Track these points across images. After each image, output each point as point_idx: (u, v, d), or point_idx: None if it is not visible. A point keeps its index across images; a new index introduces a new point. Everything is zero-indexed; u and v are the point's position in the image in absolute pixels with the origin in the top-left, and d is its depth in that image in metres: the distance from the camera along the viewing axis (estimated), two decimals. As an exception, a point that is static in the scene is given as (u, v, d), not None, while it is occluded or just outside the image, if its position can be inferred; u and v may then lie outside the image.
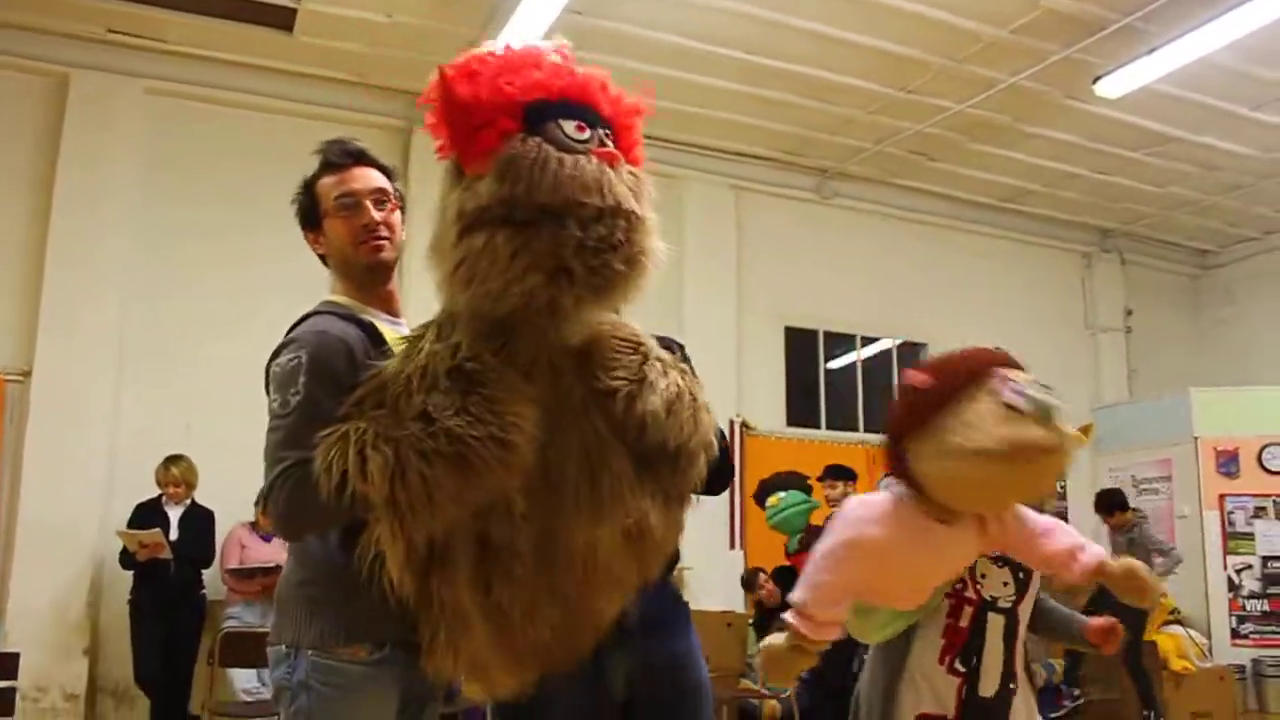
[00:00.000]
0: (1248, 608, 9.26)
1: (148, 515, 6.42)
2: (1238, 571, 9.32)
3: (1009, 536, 2.43)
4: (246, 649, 5.71)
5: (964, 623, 2.52)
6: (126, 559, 6.32)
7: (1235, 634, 9.26)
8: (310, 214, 2.24)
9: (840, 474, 6.78)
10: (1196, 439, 9.50)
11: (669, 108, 8.19)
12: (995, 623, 2.54)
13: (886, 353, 9.95)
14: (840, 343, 9.78)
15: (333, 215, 2.20)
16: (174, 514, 6.51)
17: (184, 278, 7.30)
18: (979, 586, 2.53)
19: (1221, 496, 9.41)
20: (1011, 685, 2.54)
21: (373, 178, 2.25)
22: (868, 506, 2.38)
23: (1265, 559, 9.30)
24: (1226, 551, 9.36)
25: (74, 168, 7.04)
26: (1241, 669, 9.03)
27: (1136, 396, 10.86)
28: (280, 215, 8.24)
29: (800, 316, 9.45)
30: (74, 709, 6.51)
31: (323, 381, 1.99)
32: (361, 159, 2.26)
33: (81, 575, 6.65)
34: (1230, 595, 9.31)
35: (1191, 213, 10.58)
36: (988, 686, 2.51)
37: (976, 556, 2.45)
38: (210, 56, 7.44)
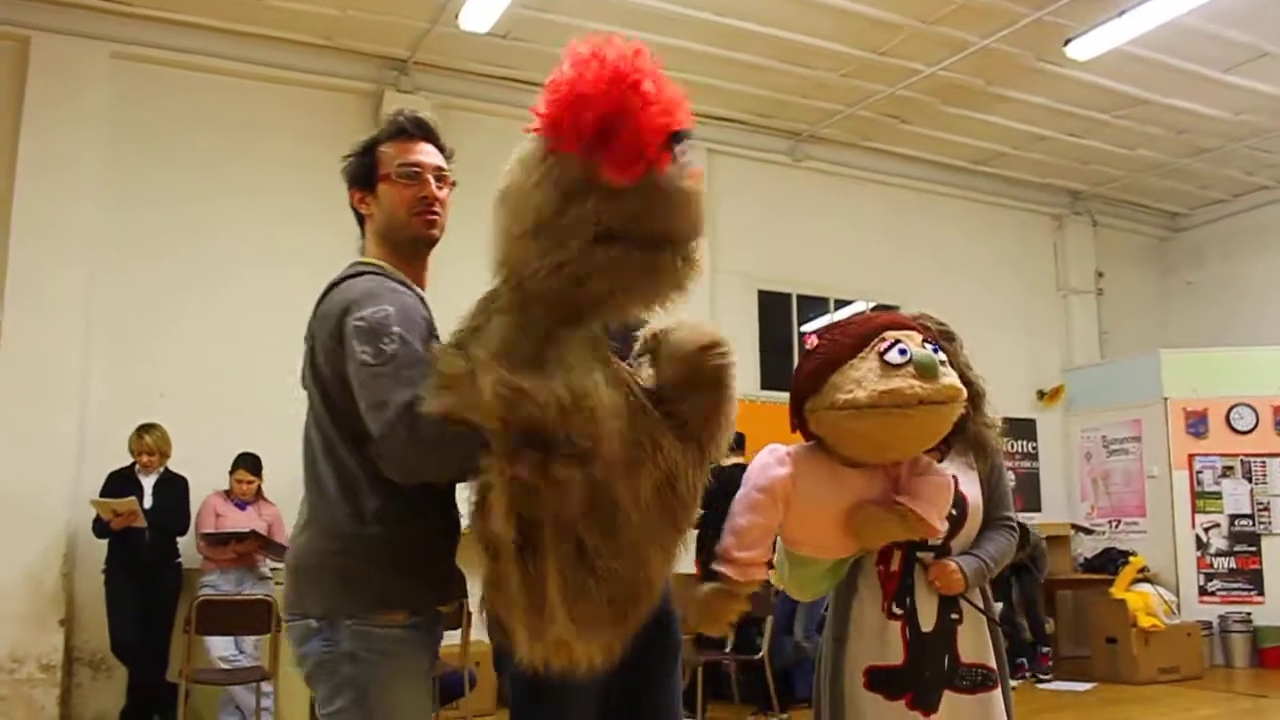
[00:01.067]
0: (1215, 565, 9.40)
1: (121, 484, 6.39)
2: (1205, 530, 9.45)
3: (904, 483, 2.54)
4: (223, 616, 5.71)
5: (895, 567, 2.62)
6: (100, 528, 6.29)
7: (1203, 591, 9.40)
8: (367, 174, 2.26)
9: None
10: (1166, 400, 9.61)
11: (641, 71, 8.15)
12: (926, 560, 2.64)
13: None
14: (814, 305, 9.79)
15: (393, 181, 2.23)
16: (147, 482, 6.48)
17: (152, 245, 7.22)
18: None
19: (1190, 456, 9.53)
20: (954, 615, 2.63)
21: (435, 155, 2.30)
22: (776, 453, 2.53)
23: (1233, 517, 9.43)
24: (1195, 510, 9.49)
25: (37, 134, 6.93)
26: (1208, 625, 9.19)
27: (1107, 358, 10.96)
28: (250, 181, 8.27)
29: (773, 279, 9.46)
30: (51, 679, 6.49)
31: (411, 331, 2.03)
32: (430, 135, 2.31)
33: (54, 546, 6.62)
34: (1198, 553, 9.45)
35: (1161, 175, 10.64)
36: (926, 621, 2.60)
37: (888, 499, 2.51)
38: (177, 20, 7.32)
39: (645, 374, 2.17)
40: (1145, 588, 8.95)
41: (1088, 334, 11.15)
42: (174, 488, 6.55)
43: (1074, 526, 10.21)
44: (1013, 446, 10.34)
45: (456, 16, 7.24)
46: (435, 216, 2.26)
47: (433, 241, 2.29)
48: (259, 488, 6.80)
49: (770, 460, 2.51)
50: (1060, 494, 10.72)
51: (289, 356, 8.00)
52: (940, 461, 2.65)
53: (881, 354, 2.37)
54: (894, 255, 9.88)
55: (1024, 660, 8.59)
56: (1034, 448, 10.57)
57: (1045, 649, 8.76)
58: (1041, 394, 10.61)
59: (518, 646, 2.00)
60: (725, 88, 8.51)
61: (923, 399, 2.31)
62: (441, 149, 2.35)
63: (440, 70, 8.14)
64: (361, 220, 2.32)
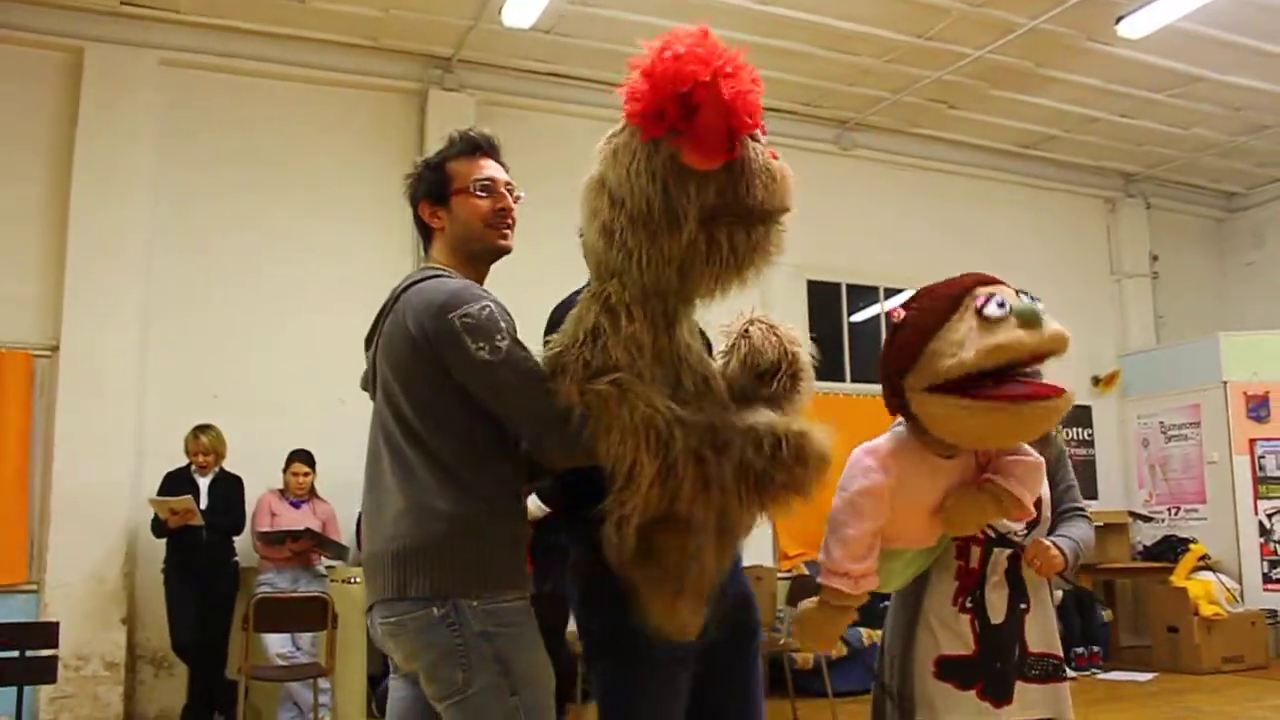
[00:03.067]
0: (1279, 552, 9.22)
1: (178, 484, 6.48)
2: (1269, 516, 9.27)
3: (995, 464, 2.49)
4: (280, 614, 5.78)
5: (974, 564, 2.58)
6: (158, 527, 6.39)
7: (1267, 579, 9.22)
8: (439, 189, 2.36)
9: None
10: (1225, 383, 9.43)
11: (684, 62, 8.12)
12: (1000, 555, 2.60)
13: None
14: (864, 295, 9.73)
15: (469, 195, 2.34)
16: (203, 482, 6.57)
17: (204, 247, 7.33)
18: (988, 528, 2.56)
19: (1251, 441, 9.34)
20: (1022, 606, 2.62)
21: (503, 171, 2.43)
22: (872, 454, 2.45)
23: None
24: (1257, 496, 9.31)
25: (92, 141, 7.05)
26: (1273, 614, 9.00)
27: (1164, 342, 10.78)
28: (299, 181, 8.32)
29: (822, 269, 9.39)
30: (115, 677, 6.61)
31: (512, 328, 2.16)
32: (497, 152, 2.45)
33: (116, 545, 6.73)
34: (1261, 540, 9.26)
35: (1217, 154, 10.43)
36: (996, 614, 2.58)
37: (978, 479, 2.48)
38: (223, 25, 7.42)
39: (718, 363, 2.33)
40: (1207, 575, 8.80)
41: (1143, 318, 10.96)
42: (229, 487, 6.63)
43: (1132, 514, 10.04)
44: (1068, 434, 10.20)
45: (499, 13, 7.26)
46: (508, 230, 2.38)
47: (506, 252, 2.40)
48: (312, 484, 6.86)
49: (869, 463, 2.44)
50: (1117, 481, 10.55)
51: (339, 355, 8.08)
52: None
53: (979, 310, 2.23)
54: (944, 242, 9.76)
55: (1081, 652, 8.51)
56: (1090, 435, 10.42)
57: (1095, 648, 8.67)
58: (1096, 380, 10.44)
59: (658, 618, 2.11)
60: (769, 76, 8.39)
61: (1033, 350, 2.19)
62: (504, 166, 2.47)
63: (484, 67, 8.16)
64: (427, 232, 2.41)
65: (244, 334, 7.30)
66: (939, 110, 9.21)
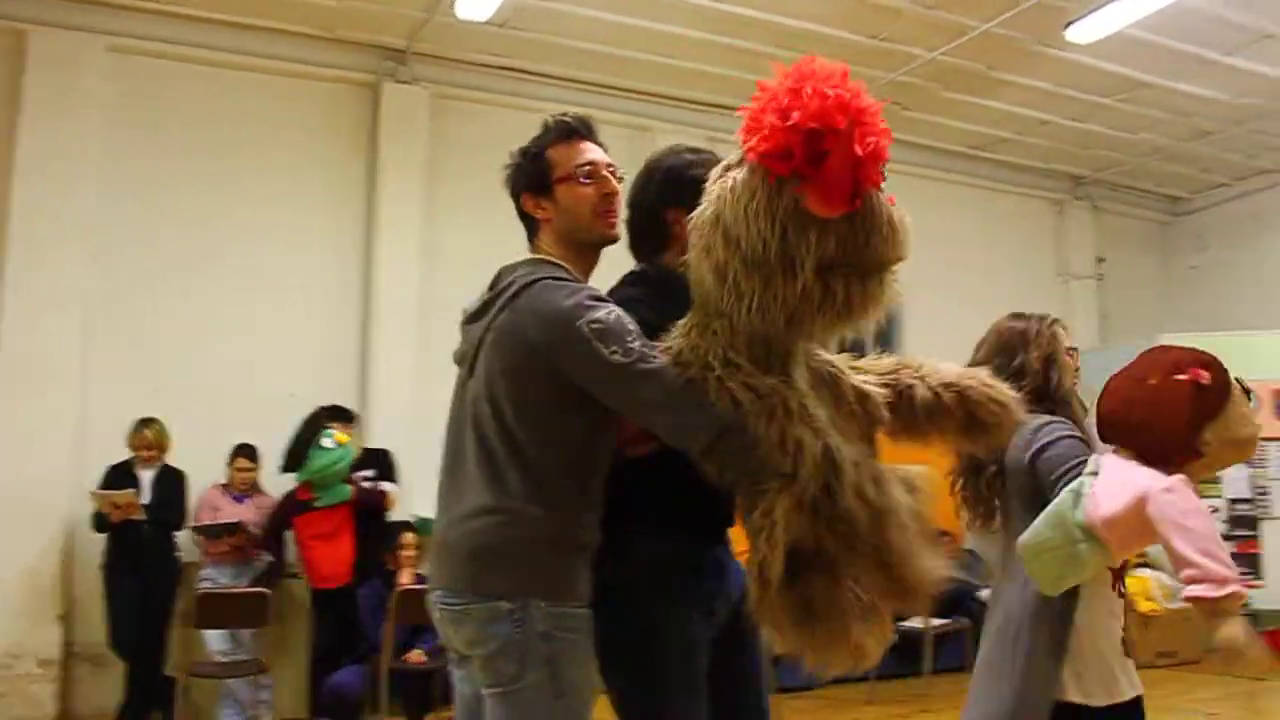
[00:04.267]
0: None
1: (119, 478, 6.38)
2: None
3: None
4: (220, 610, 5.72)
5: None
6: (100, 521, 6.27)
7: (1205, 576, 9.37)
8: (541, 179, 2.32)
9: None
10: (1167, 385, 9.54)
11: (640, 58, 8.12)
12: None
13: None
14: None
15: (573, 182, 2.30)
16: (146, 476, 6.46)
17: (150, 237, 7.21)
18: None
19: (1192, 441, 9.47)
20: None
21: (603, 152, 2.36)
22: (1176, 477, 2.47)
23: (1232, 501, 9.40)
24: (1196, 494, 9.45)
25: (36, 128, 6.89)
26: (1210, 610, 9.16)
27: (1108, 343, 10.92)
28: (247, 173, 8.17)
29: (774, 268, 9.41)
30: (49, 674, 6.48)
31: (639, 331, 2.13)
32: (594, 134, 2.37)
33: (53, 541, 6.60)
34: (1200, 538, 9.41)
35: (1163, 159, 10.60)
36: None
37: None
38: (173, 12, 7.29)
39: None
40: (1145, 572, 8.93)
41: (1089, 319, 11.11)
42: (172, 481, 6.53)
43: (1076, 513, 10.18)
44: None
45: (454, 6, 7.21)
46: (615, 216, 2.35)
47: (615, 240, 2.37)
48: (256, 479, 6.78)
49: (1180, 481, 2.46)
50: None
51: (289, 348, 8.00)
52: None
53: (1242, 393, 2.62)
54: (894, 242, 9.84)
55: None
56: (1036, 434, 10.54)
57: None
58: (1043, 380, 10.54)
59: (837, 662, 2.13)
60: (724, 74, 8.46)
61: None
62: (602, 146, 2.40)
63: (439, 60, 8.10)
64: (532, 224, 2.37)
65: (190, 326, 7.20)
66: (892, 111, 9.15)
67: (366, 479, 6.69)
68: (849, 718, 6.53)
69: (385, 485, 6.80)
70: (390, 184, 7.79)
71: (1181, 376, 2.57)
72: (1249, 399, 2.64)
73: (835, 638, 2.11)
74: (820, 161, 1.95)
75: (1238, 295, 11.06)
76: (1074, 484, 2.49)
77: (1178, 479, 2.41)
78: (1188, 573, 2.28)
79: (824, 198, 1.97)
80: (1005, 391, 2.41)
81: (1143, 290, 11.64)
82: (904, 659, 7.86)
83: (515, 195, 2.37)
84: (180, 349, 7.11)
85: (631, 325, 2.12)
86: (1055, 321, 3.10)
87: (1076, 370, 3.01)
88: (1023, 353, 2.95)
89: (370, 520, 6.57)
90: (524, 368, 2.17)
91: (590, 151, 2.33)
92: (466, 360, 2.33)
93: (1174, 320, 11.21)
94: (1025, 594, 2.68)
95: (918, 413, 2.34)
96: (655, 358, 2.11)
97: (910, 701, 7.15)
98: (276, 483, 6.78)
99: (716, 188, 2.09)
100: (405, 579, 6.14)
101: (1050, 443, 2.68)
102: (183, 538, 6.58)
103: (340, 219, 7.75)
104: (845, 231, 2.01)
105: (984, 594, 8.60)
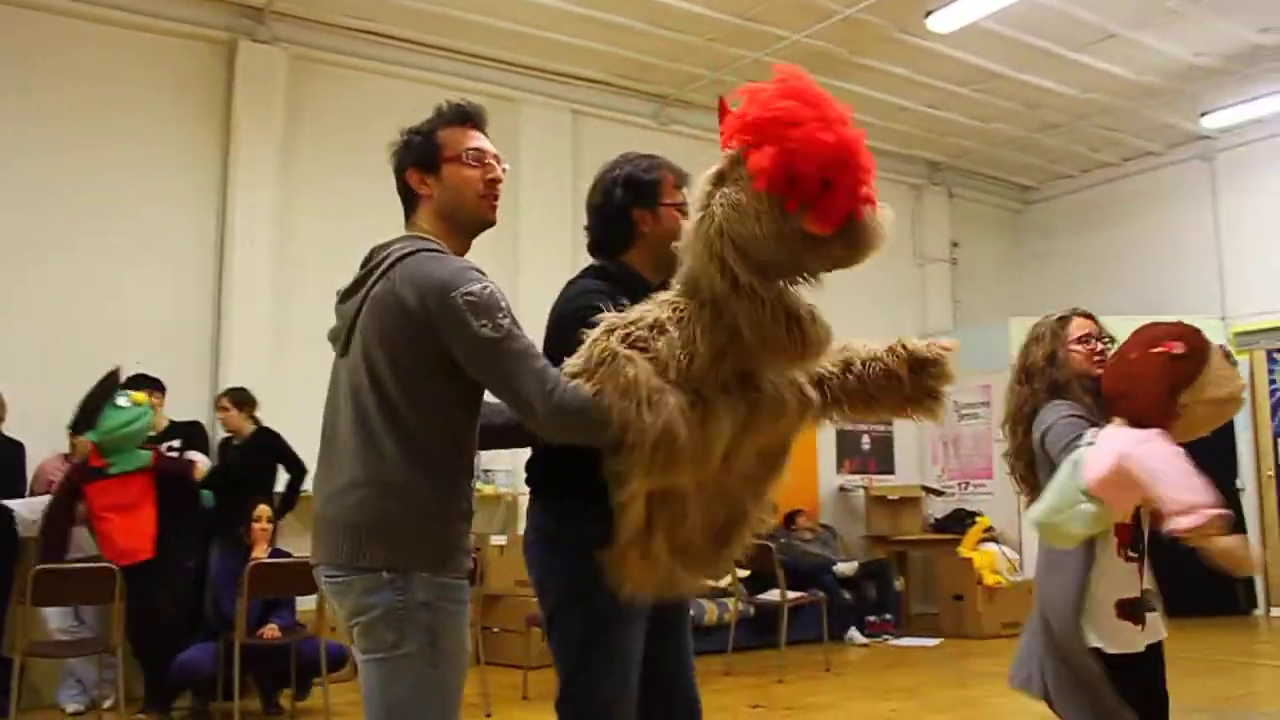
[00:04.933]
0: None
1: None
2: (1048, 491, 9.83)
3: None
4: (60, 586, 5.47)
5: (1128, 519, 3.07)
6: (-70, 495, 5.94)
7: (1044, 549, 9.80)
8: (430, 157, 2.37)
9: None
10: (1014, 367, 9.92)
11: (507, 28, 8.03)
12: (1145, 514, 3.10)
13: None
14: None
15: (461, 164, 2.36)
16: (-21, 448, 6.14)
17: (-14, 196, 6.82)
18: None
19: (1035, 421, 9.86)
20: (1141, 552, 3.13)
21: (491, 143, 2.44)
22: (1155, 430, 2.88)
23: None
24: (1038, 472, 9.85)
25: None
26: (1049, 582, 9.59)
27: (960, 325, 11.31)
28: (95, 133, 7.84)
29: (639, 244, 9.44)
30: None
31: (509, 308, 2.22)
32: (484, 125, 2.45)
33: (-122, 514, 6.23)
34: (1040, 513, 9.82)
35: (1014, 149, 10.99)
36: (1148, 563, 3.13)
37: None
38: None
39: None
40: (991, 547, 9.30)
41: (942, 302, 11.50)
42: (8, 452, 6.23)
43: (925, 488, 10.53)
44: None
45: (315, -36, 7.00)
46: (496, 201, 2.42)
47: (493, 224, 2.44)
48: (98, 449, 6.51)
49: (1150, 432, 2.81)
50: (912, 457, 11.04)
51: (135, 315, 7.68)
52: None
53: (1220, 356, 2.91)
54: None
55: (874, 619, 8.90)
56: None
57: (888, 615, 9.08)
58: (897, 360, 10.84)
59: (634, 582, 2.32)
60: (592, 48, 8.44)
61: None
62: (488, 137, 2.48)
63: (299, 21, 7.85)
64: (413, 199, 2.41)
65: (30, 292, 6.84)
66: (757, 91, 9.36)
67: (172, 449, 6.45)
68: (708, 689, 6.60)
69: (193, 455, 6.57)
70: (246, 146, 7.51)
71: (1157, 349, 2.92)
72: (1230, 362, 2.95)
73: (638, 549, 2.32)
74: (824, 191, 2.21)
75: (1081, 281, 11.55)
76: (1074, 455, 2.84)
77: (1153, 432, 2.78)
78: (1170, 509, 2.57)
79: (821, 222, 2.22)
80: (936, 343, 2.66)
81: (993, 274, 12.08)
82: (761, 631, 8.03)
83: (400, 169, 2.42)
84: (18, 315, 6.76)
85: (504, 302, 2.19)
86: (1063, 317, 3.41)
87: (1095, 354, 3.28)
88: (1032, 352, 3.34)
89: (175, 491, 6.11)
90: (402, 335, 2.20)
91: (480, 139, 2.40)
92: (341, 338, 2.36)
93: (1022, 304, 11.64)
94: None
95: (868, 383, 2.56)
96: (522, 337, 2.19)
97: (767, 672, 7.30)
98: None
99: (722, 206, 2.26)
100: (259, 553, 5.97)
101: (1051, 424, 3.07)
102: (21, 510, 6.26)
103: (194, 182, 7.47)
104: (841, 247, 2.29)
105: (839, 568, 8.85)
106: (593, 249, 2.73)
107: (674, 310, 2.31)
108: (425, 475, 2.21)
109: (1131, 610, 3.09)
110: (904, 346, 2.60)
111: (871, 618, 8.92)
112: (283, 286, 7.47)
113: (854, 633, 8.73)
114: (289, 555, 6.04)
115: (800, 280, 2.31)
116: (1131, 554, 3.11)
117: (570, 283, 2.72)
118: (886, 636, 8.88)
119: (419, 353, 2.20)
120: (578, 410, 2.17)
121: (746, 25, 8.07)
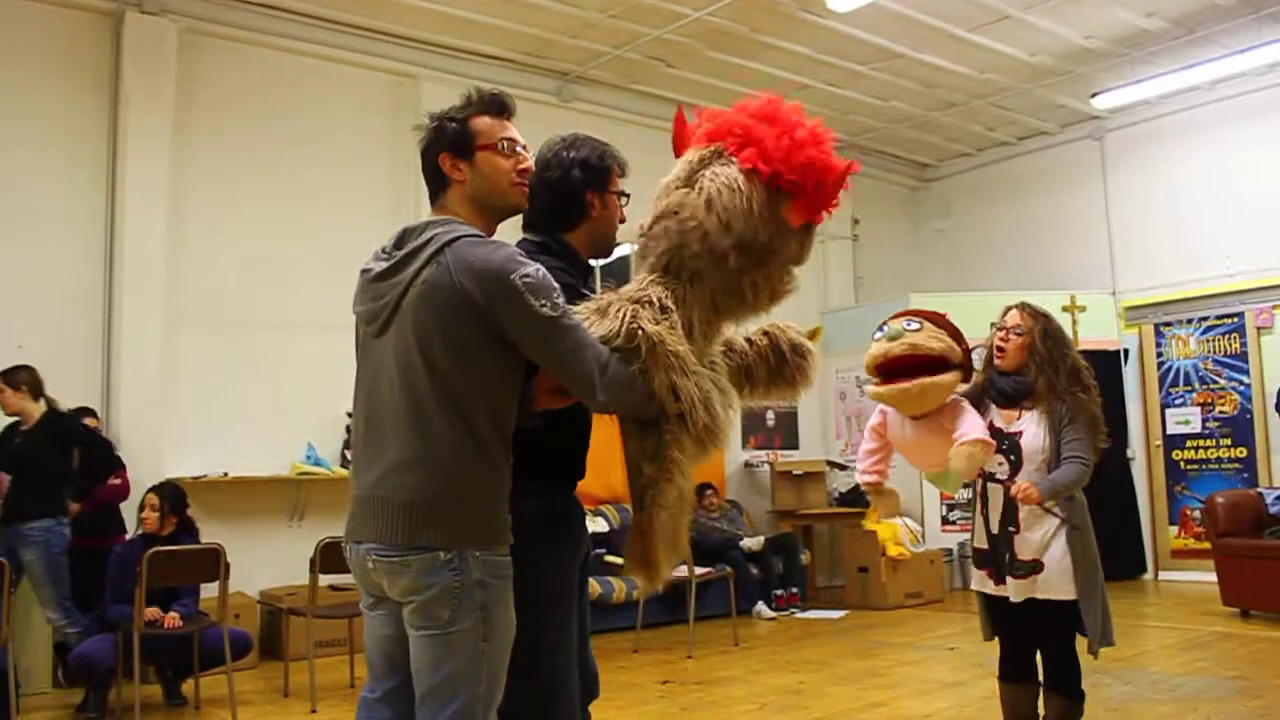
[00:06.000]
0: (957, 496, 10.03)
1: None
2: (948, 463, 10.04)
3: (953, 424, 3.76)
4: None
5: (978, 489, 4.06)
6: None
7: (945, 521, 10.04)
8: (465, 143, 2.46)
9: None
10: (914, 341, 10.09)
11: (404, 1, 7.88)
12: (995, 489, 3.96)
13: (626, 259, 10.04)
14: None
15: (496, 153, 2.47)
16: None
17: None
18: (983, 467, 3.82)
19: (935, 394, 10.06)
20: (1010, 528, 3.88)
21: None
22: (880, 412, 4.00)
23: (973, 451, 10.03)
24: (938, 445, 10.06)
25: None
26: (949, 552, 9.83)
27: (862, 300, 11.48)
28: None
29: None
30: None
31: (560, 289, 2.34)
32: (514, 114, 2.57)
33: None
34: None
35: (913, 128, 11.15)
36: (993, 526, 3.96)
37: (948, 440, 3.71)
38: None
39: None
40: (894, 519, 9.47)
41: (844, 278, 11.66)
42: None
43: (829, 463, 10.68)
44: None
45: (204, -65, 6.79)
46: (526, 188, 2.52)
47: (524, 209, 2.57)
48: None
49: (875, 412, 4.04)
50: (817, 432, 11.19)
51: (20, 295, 7.40)
52: (1019, 415, 3.96)
53: (874, 336, 3.83)
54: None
55: (781, 593, 9.01)
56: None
57: (794, 589, 9.19)
58: (801, 336, 10.96)
59: (656, 574, 2.49)
60: (493, 24, 8.34)
61: (887, 354, 3.70)
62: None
63: (187, -8, 7.62)
64: (442, 183, 2.50)
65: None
66: (657, 68, 9.37)
67: None
68: (616, 666, 6.63)
69: None
70: (135, 121, 7.24)
71: None
72: (880, 333, 3.84)
73: (673, 558, 2.50)
74: (814, 189, 2.52)
75: (977, 257, 11.83)
76: None
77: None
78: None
79: (803, 211, 2.53)
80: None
81: (894, 251, 12.28)
82: (669, 606, 8.08)
83: (432, 154, 2.49)
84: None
85: (555, 283, 2.31)
86: (1006, 310, 4.17)
87: (995, 347, 4.14)
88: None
89: None
90: (459, 319, 2.27)
91: (514, 130, 2.52)
92: (379, 318, 2.40)
93: (920, 280, 11.88)
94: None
95: (746, 365, 2.80)
96: (575, 315, 2.33)
97: (676, 648, 7.34)
98: None
99: (714, 182, 2.49)
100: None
101: None
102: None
103: (78, 156, 7.20)
104: (803, 239, 2.59)
105: (746, 543, 8.94)
106: (532, 223, 2.75)
107: (665, 289, 2.46)
108: (478, 455, 2.30)
109: (978, 559, 4.05)
110: (778, 330, 2.87)
111: (778, 592, 9.03)
112: (176, 262, 7.25)
113: (761, 607, 8.84)
114: (197, 542, 5.90)
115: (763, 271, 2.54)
116: (979, 515, 4.04)
117: None
118: (793, 610, 9.00)
119: (476, 336, 2.28)
120: (628, 383, 2.31)
121: (648, 2, 8.04)
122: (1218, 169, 10.10)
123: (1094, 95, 10.05)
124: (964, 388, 3.89)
